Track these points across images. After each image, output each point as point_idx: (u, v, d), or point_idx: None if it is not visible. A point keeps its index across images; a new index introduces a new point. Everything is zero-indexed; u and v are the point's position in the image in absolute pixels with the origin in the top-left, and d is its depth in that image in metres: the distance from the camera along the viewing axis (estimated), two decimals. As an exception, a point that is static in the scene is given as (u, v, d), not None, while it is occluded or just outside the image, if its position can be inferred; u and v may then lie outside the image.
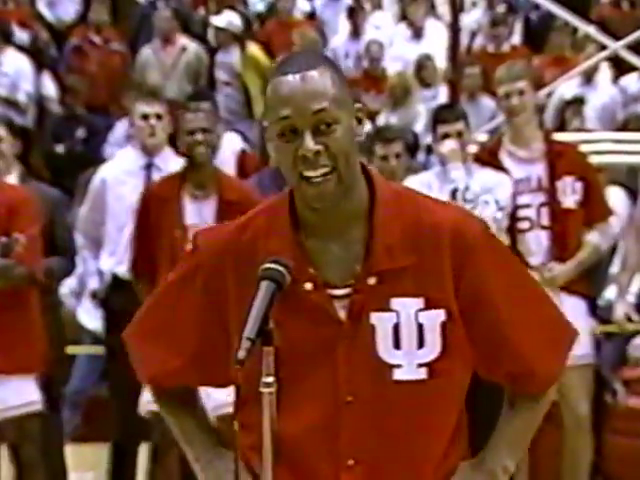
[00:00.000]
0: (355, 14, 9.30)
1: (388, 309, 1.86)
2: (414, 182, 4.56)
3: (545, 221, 4.61)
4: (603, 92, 8.54)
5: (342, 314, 1.88)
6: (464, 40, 8.66)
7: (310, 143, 1.83)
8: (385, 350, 1.87)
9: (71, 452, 4.65)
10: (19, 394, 4.20)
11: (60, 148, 7.58)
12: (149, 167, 4.99)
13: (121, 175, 5.00)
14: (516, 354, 1.90)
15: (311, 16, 9.66)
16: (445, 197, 4.48)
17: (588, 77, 8.40)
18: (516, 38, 9.34)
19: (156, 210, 4.48)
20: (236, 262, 1.91)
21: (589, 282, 4.76)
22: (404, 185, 2.04)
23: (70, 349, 5.38)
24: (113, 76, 8.44)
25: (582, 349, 4.62)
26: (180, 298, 1.95)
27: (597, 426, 4.92)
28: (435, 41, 8.81)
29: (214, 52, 8.60)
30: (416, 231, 1.87)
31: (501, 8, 9.46)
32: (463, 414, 1.95)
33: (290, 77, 1.85)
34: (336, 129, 1.85)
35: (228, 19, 8.65)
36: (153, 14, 9.02)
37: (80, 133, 7.80)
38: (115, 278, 4.98)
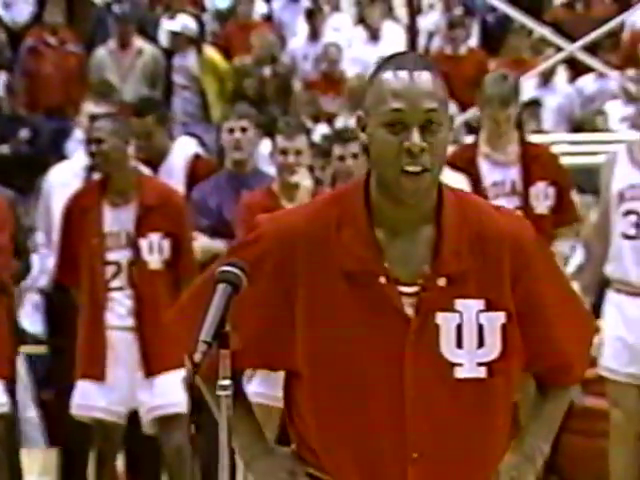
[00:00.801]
0: (313, 16, 9.30)
1: (452, 309, 1.94)
2: None
3: None
4: (560, 94, 8.61)
5: (410, 311, 1.94)
6: (421, 42, 8.69)
7: (417, 139, 1.90)
8: (448, 349, 1.94)
9: (25, 456, 4.61)
10: None
11: (5, 149, 7.50)
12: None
13: (67, 178, 4.99)
14: (561, 351, 2.02)
15: (268, 18, 9.65)
16: None
17: (546, 79, 8.47)
18: (473, 40, 9.40)
19: (78, 219, 4.48)
20: (307, 251, 1.94)
21: None
22: (462, 190, 2.10)
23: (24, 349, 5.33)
24: (69, 77, 8.38)
25: None
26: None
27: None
28: (393, 43, 8.84)
29: (170, 55, 8.57)
30: (480, 236, 1.96)
31: (458, 10, 9.51)
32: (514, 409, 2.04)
33: (406, 73, 1.93)
34: (440, 130, 1.93)
35: (183, 23, 8.62)
36: (109, 15, 8.97)
37: (24, 134, 7.73)
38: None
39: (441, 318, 1.93)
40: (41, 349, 5.40)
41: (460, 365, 1.94)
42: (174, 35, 8.51)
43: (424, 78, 1.93)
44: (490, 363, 1.95)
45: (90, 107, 4.96)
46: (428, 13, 9.65)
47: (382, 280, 1.91)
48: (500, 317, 1.95)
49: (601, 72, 8.26)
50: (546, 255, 2.04)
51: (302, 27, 9.46)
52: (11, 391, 4.40)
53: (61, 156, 6.80)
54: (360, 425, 1.92)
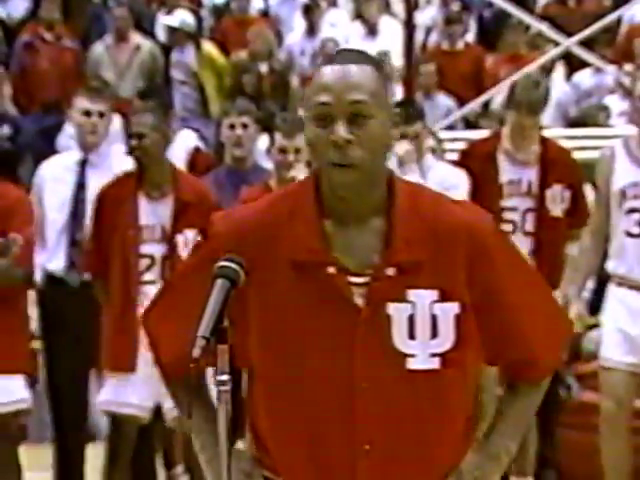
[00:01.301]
0: (310, 12, 9.30)
1: (404, 300, 1.93)
2: None
3: (530, 227, 4.63)
4: (556, 89, 8.61)
5: (360, 302, 1.92)
6: (419, 37, 8.68)
7: (343, 131, 1.90)
8: (400, 340, 1.92)
9: (25, 452, 4.60)
10: (7, 392, 4.21)
11: None
12: (84, 163, 4.95)
13: (58, 172, 4.96)
14: (523, 343, 1.99)
15: (265, 14, 9.64)
16: None
17: (547, 73, 8.46)
18: (470, 36, 9.39)
19: (111, 209, 4.46)
20: (258, 244, 1.94)
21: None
22: (421, 184, 2.08)
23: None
24: (65, 73, 8.36)
25: None
26: (198, 282, 1.94)
27: (550, 420, 4.96)
28: (390, 39, 8.84)
29: (168, 51, 8.56)
30: (433, 226, 1.95)
31: (455, 6, 9.50)
32: (475, 405, 2.01)
33: (333, 67, 1.94)
34: (370, 123, 1.91)
35: (181, 18, 8.61)
36: (105, 11, 8.95)
37: (5, 130, 7.72)
38: (49, 276, 4.92)
39: (393, 309, 1.92)
40: (36, 344, 5.39)
41: (413, 356, 1.92)
42: (172, 30, 8.50)
43: (351, 70, 1.92)
44: (444, 354, 1.93)
45: (84, 103, 4.94)
46: (425, 8, 9.64)
47: (331, 270, 1.91)
48: (454, 308, 1.93)
49: (598, 67, 8.26)
50: (507, 247, 2.00)
51: (299, 22, 9.45)
52: (33, 386, 4.41)
53: (52, 151, 6.80)
54: (310, 419, 1.90)
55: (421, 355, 1.92)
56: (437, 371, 1.93)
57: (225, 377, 1.81)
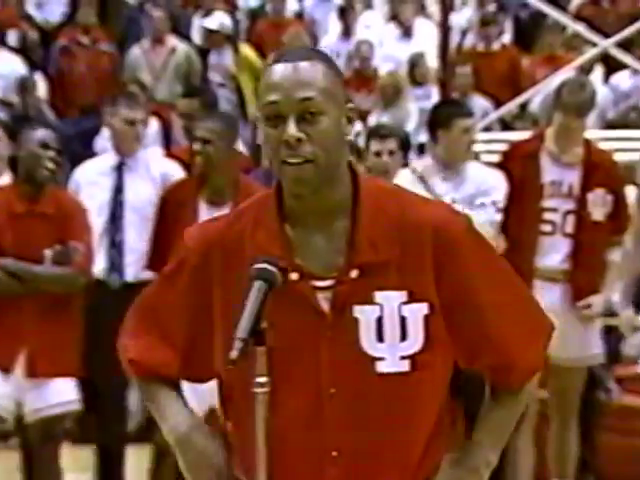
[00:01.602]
0: (346, 14, 9.29)
1: (371, 302, 1.88)
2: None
3: (569, 229, 4.60)
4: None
5: (325, 306, 1.89)
6: (454, 39, 8.65)
7: (293, 129, 1.86)
8: (368, 343, 1.88)
9: (67, 453, 4.63)
10: (59, 394, 4.28)
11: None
12: (120, 167, 4.98)
13: (94, 176, 5.00)
14: (497, 347, 1.93)
15: (300, 16, 9.64)
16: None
17: (586, 74, 8.39)
18: (506, 37, 9.35)
19: (173, 211, 4.53)
20: (223, 256, 1.93)
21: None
22: (390, 182, 2.05)
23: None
24: (101, 77, 8.41)
25: (589, 350, 4.63)
26: (169, 293, 1.97)
27: (589, 424, 4.92)
28: (425, 40, 8.81)
29: (205, 53, 8.58)
30: (400, 226, 1.90)
31: (491, 7, 9.46)
32: (446, 408, 1.96)
33: (281, 65, 1.90)
34: (321, 120, 1.88)
35: (220, 20, 8.63)
36: (141, 15, 8.99)
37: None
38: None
39: (359, 311, 1.87)
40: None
41: (382, 359, 1.87)
42: (211, 33, 8.52)
43: (300, 68, 1.88)
44: (413, 356, 1.88)
45: (125, 112, 4.97)
46: (461, 10, 9.61)
47: (294, 276, 1.87)
48: (423, 308, 1.88)
49: (635, 68, 8.19)
50: (479, 245, 1.93)
51: (334, 25, 9.44)
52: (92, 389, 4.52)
53: (90, 155, 6.84)
54: (278, 425, 1.84)
55: (390, 358, 1.88)
56: (407, 374, 1.88)
57: (264, 379, 1.80)
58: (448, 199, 4.45)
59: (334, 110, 1.89)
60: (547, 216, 4.58)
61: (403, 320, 1.89)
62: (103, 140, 7.40)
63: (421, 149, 7.47)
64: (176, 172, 4.93)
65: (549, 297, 4.61)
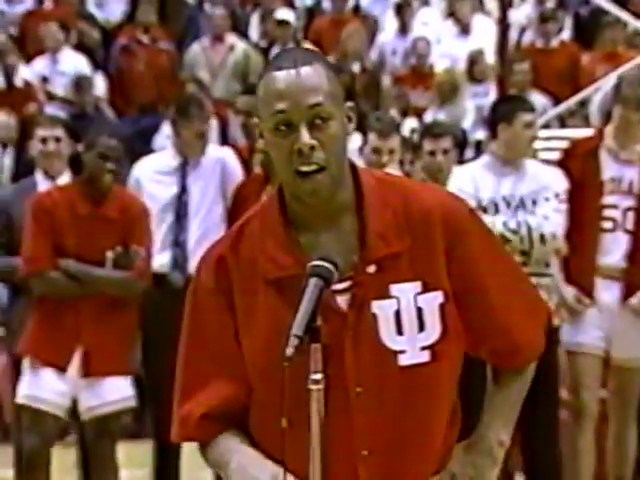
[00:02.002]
0: (402, 11, 9.27)
1: (388, 296, 1.89)
2: (461, 176, 4.51)
3: (630, 225, 4.56)
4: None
5: (344, 306, 1.89)
6: (513, 36, 8.59)
7: (306, 137, 1.85)
8: (388, 337, 1.89)
9: (122, 449, 4.67)
10: (115, 391, 4.33)
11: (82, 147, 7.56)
12: (184, 167, 5.03)
13: (155, 174, 5.04)
14: (504, 330, 1.94)
15: (356, 12, 9.62)
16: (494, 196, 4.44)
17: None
18: (566, 33, 9.25)
19: (243, 209, 4.57)
20: (239, 271, 1.92)
21: None
22: (386, 172, 2.05)
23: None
24: (161, 75, 8.48)
25: None
26: (203, 336, 1.94)
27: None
28: (483, 37, 8.76)
29: (267, 51, 8.62)
30: (406, 216, 1.90)
31: (550, 3, 9.37)
32: (456, 395, 1.97)
33: (285, 72, 1.87)
34: (330, 125, 1.87)
35: (287, 15, 8.69)
36: (200, 13, 9.05)
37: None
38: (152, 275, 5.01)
39: (377, 307, 1.88)
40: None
41: (403, 352, 1.88)
42: (279, 24, 8.54)
43: (305, 74, 1.86)
44: (432, 346, 1.89)
45: (199, 124, 5.00)
46: (520, 6, 9.53)
47: (335, 276, 1.84)
48: (438, 297, 1.89)
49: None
50: (482, 229, 1.94)
51: (391, 21, 9.43)
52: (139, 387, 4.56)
53: (149, 152, 6.91)
54: (308, 433, 1.82)
55: (410, 350, 1.88)
56: (427, 364, 1.89)
57: (319, 376, 1.81)
58: (512, 197, 4.42)
59: (339, 112, 1.88)
60: (607, 213, 4.54)
61: (420, 311, 1.89)
62: (162, 138, 7.47)
63: (478, 147, 7.43)
64: (230, 157, 4.98)
65: (609, 295, 4.57)
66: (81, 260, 4.29)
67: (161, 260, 4.89)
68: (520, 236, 4.32)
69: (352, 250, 1.89)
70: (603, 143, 4.62)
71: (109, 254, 4.28)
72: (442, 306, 1.90)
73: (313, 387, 1.81)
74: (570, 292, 4.55)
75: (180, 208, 4.97)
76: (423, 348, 1.89)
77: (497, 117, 4.52)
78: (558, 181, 4.48)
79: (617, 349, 4.57)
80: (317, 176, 1.85)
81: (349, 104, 1.92)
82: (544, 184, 4.44)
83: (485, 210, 4.40)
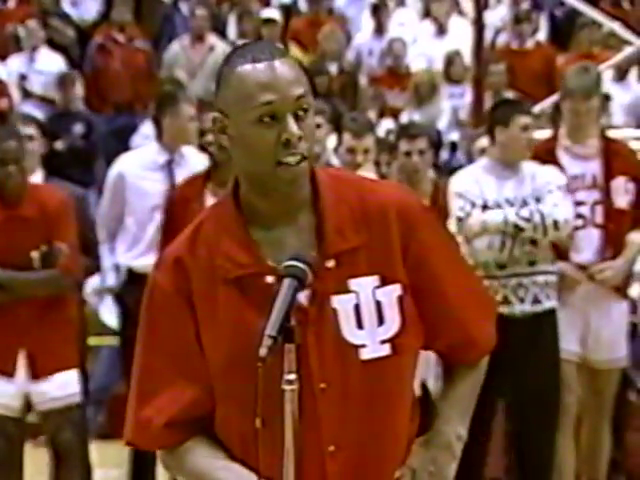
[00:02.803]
0: (379, 11, 9.28)
1: (347, 291, 1.89)
2: (462, 178, 4.51)
3: (599, 219, 4.58)
4: (631, 89, 8.47)
5: (305, 302, 1.88)
6: (488, 37, 8.62)
7: (294, 127, 1.86)
8: (349, 332, 1.89)
9: (96, 449, 4.66)
10: (62, 387, 4.30)
11: (59, 145, 7.57)
12: (170, 163, 5.01)
13: (141, 170, 5.02)
14: (459, 323, 1.96)
15: (331, 13, 9.62)
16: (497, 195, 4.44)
17: (622, 74, 8.32)
18: (542, 35, 9.29)
19: (180, 209, 4.54)
20: (197, 273, 1.91)
21: (628, 282, 4.73)
22: (339, 168, 2.06)
23: (92, 340, 5.41)
24: (137, 74, 8.46)
25: (622, 351, 4.61)
26: (160, 336, 1.93)
27: (620, 424, 4.89)
28: (459, 38, 8.78)
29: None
30: (362, 211, 1.91)
31: (525, 5, 9.41)
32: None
33: (264, 64, 1.87)
34: (309, 116, 1.89)
35: (271, 14, 8.68)
36: (176, 12, 9.02)
37: (78, 129, 7.82)
38: (131, 272, 4.98)
39: (337, 302, 1.88)
40: (111, 339, 5.46)
41: (364, 346, 1.88)
42: (266, 23, 8.54)
43: (287, 65, 1.87)
44: (392, 339, 1.90)
45: (187, 108, 5.00)
46: (495, 7, 9.56)
47: (269, 280, 1.86)
48: (396, 289, 1.90)
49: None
50: (435, 224, 1.97)
51: (367, 22, 9.44)
52: (84, 382, 4.49)
53: (125, 151, 6.88)
54: (275, 430, 1.81)
55: (371, 344, 1.89)
56: (389, 357, 1.90)
57: (293, 376, 1.81)
58: (515, 198, 4.42)
59: (313, 105, 1.90)
60: (577, 210, 4.56)
61: (378, 304, 1.90)
62: (140, 138, 7.44)
63: (453, 147, 7.45)
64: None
65: (583, 295, 4.59)
66: (6, 265, 4.21)
67: (148, 261, 4.88)
68: (534, 224, 4.32)
69: (310, 246, 1.89)
70: (559, 143, 4.64)
71: (34, 254, 4.22)
72: (400, 299, 1.91)
73: (287, 387, 1.81)
74: (567, 265, 4.53)
75: None
76: (383, 342, 1.89)
77: (494, 120, 4.52)
78: (556, 176, 4.50)
79: (592, 351, 4.60)
80: (300, 165, 1.87)
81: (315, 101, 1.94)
82: (544, 181, 4.45)
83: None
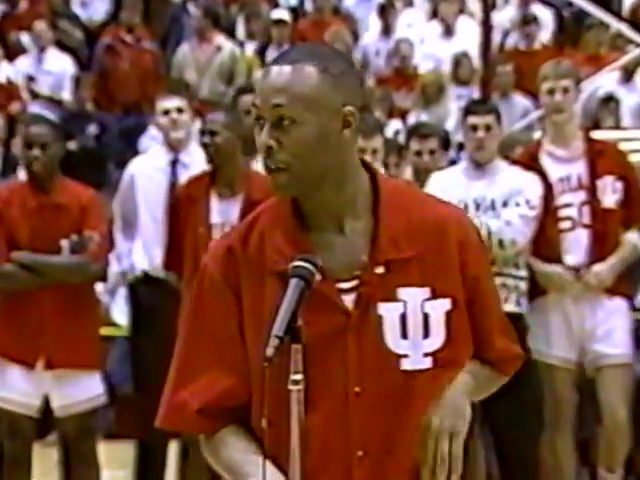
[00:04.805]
0: (386, 12, 9.28)
1: (395, 299, 1.90)
2: (439, 179, 4.53)
3: (586, 220, 4.58)
4: (638, 91, 8.47)
5: (350, 305, 1.89)
6: (496, 38, 8.62)
7: (265, 136, 1.87)
8: (393, 340, 1.89)
9: (103, 449, 4.67)
10: (86, 389, 4.33)
11: (72, 145, 7.60)
12: (174, 163, 5.03)
13: (148, 171, 5.05)
14: (494, 342, 1.98)
15: (336, 13, 9.62)
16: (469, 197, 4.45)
17: (628, 76, 8.31)
18: (549, 35, 9.29)
19: (185, 208, 4.55)
20: (247, 263, 1.92)
21: (628, 281, 4.72)
22: (410, 182, 2.07)
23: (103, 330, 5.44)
24: (145, 74, 8.48)
25: (623, 348, 4.60)
26: (206, 323, 1.93)
27: (635, 424, 4.88)
28: (467, 39, 8.78)
29: (264, 50, 8.62)
30: (421, 223, 1.93)
31: (533, 6, 9.40)
32: None
33: (272, 68, 1.89)
34: (295, 128, 1.86)
35: (282, 15, 8.70)
36: (184, 13, 9.05)
37: (91, 130, 7.84)
38: (146, 274, 5.01)
39: (383, 309, 1.88)
40: (120, 331, 5.48)
41: (406, 356, 1.88)
42: (276, 23, 8.55)
43: (280, 73, 1.85)
44: (435, 353, 1.89)
45: (162, 104, 5.06)
46: (503, 8, 9.56)
47: (317, 277, 1.83)
48: (445, 304, 1.90)
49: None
50: (482, 245, 1.99)
51: (375, 23, 9.44)
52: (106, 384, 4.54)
53: (133, 152, 6.90)
54: (306, 426, 1.81)
55: (413, 355, 1.88)
56: (429, 371, 1.89)
57: (299, 377, 1.80)
58: (483, 199, 4.45)
59: (316, 119, 1.85)
60: (564, 213, 4.56)
61: (426, 317, 1.90)
62: (148, 140, 7.46)
63: (461, 148, 7.45)
64: None
65: (573, 298, 4.60)
66: (37, 252, 4.27)
67: (153, 261, 4.87)
68: None
69: (363, 250, 1.90)
70: (542, 148, 4.65)
71: (64, 242, 4.26)
72: (448, 313, 1.91)
73: (293, 388, 1.80)
74: (557, 267, 4.54)
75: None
76: (426, 355, 1.90)
77: (465, 116, 4.58)
78: (532, 187, 4.51)
79: (592, 351, 4.60)
80: (279, 175, 1.88)
81: (348, 108, 1.88)
82: (518, 188, 4.46)
83: None
